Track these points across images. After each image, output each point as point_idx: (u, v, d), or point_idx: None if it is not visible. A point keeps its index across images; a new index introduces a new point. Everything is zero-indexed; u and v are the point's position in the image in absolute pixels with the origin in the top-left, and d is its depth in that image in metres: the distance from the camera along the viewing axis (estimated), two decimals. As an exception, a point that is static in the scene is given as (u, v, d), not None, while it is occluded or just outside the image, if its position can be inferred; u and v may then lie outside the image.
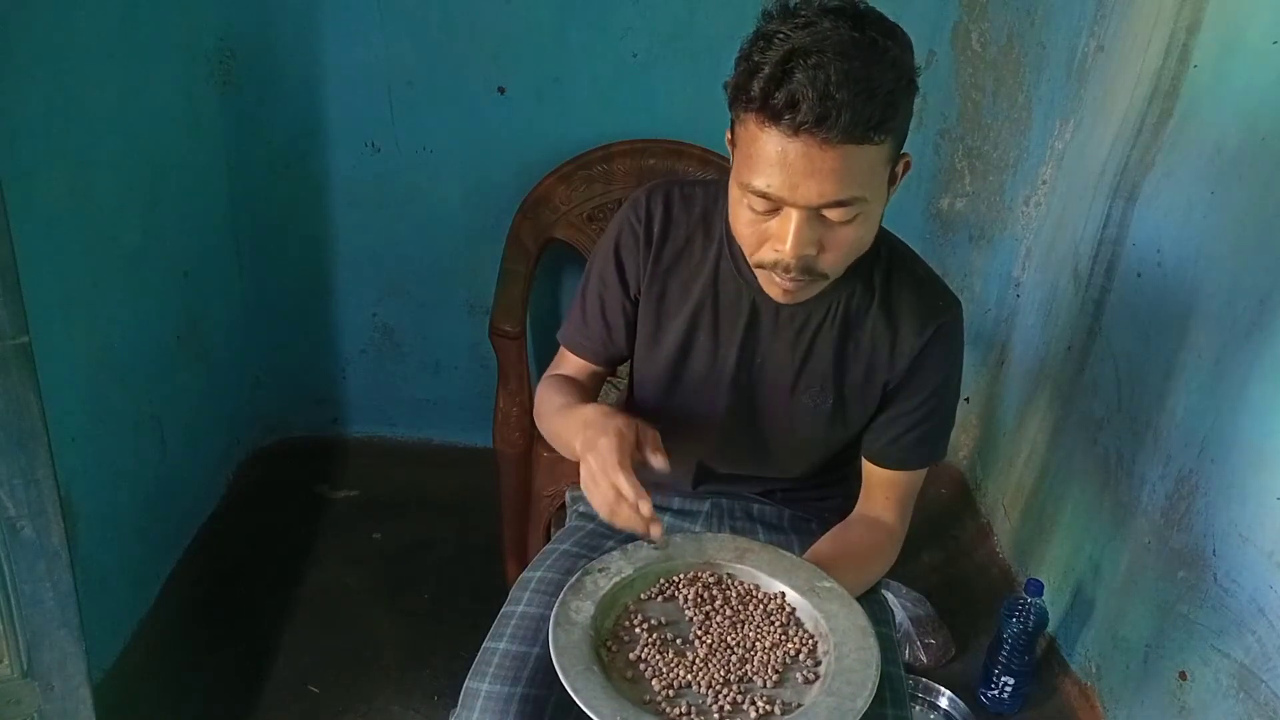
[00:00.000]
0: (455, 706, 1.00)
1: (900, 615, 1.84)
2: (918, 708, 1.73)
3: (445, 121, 2.01)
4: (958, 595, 2.00)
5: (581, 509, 1.30)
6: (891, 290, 1.07)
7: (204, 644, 1.74)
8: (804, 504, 1.26)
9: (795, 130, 0.84)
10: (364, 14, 1.90)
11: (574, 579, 0.98)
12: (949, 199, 2.16)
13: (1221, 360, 1.42)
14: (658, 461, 0.94)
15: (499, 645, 1.03)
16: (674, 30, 1.92)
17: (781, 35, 0.84)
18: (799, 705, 0.89)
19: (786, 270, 0.93)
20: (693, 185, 1.11)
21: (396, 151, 2.03)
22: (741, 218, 0.94)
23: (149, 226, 1.68)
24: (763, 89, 0.84)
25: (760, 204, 0.90)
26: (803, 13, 0.86)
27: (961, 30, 1.98)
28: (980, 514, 2.26)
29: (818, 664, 0.94)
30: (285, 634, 1.79)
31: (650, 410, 1.18)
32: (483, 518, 1.96)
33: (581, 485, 0.94)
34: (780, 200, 0.89)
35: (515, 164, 1.99)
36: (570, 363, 1.20)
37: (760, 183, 0.88)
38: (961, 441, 2.38)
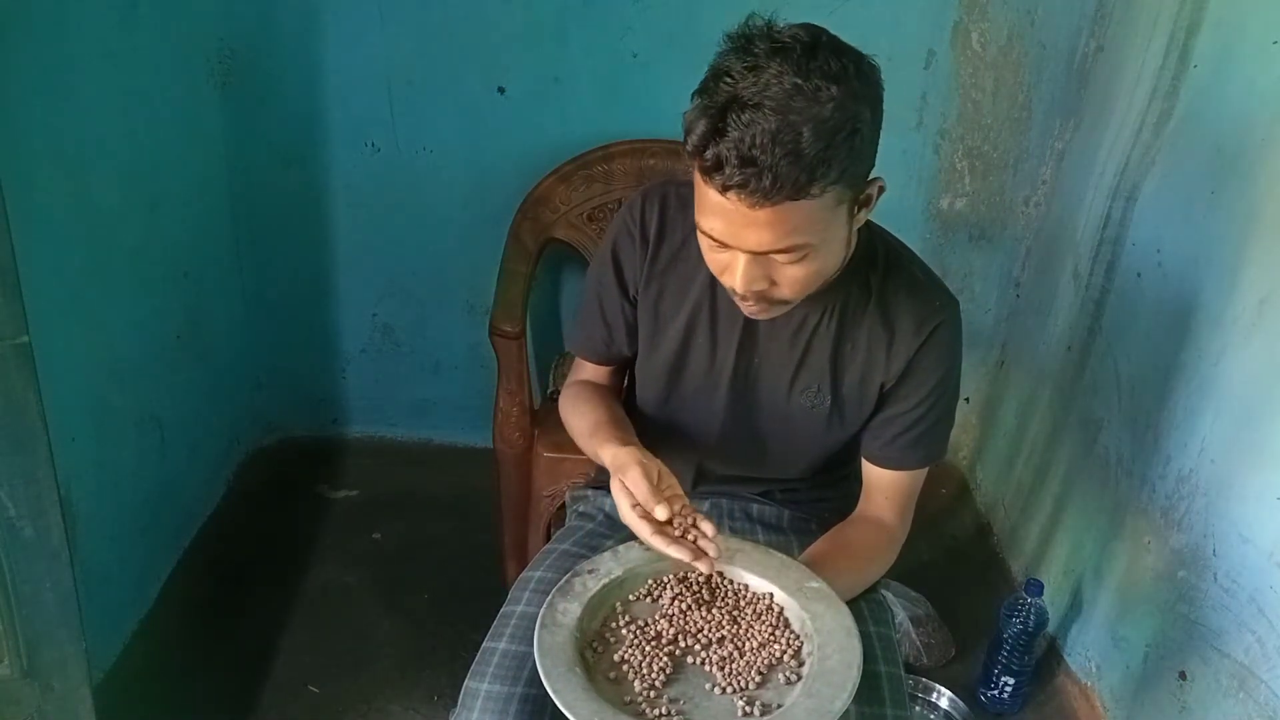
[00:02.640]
0: (455, 706, 1.00)
1: (900, 615, 1.83)
2: (918, 708, 1.73)
3: (445, 121, 2.01)
4: (958, 595, 2.00)
5: (581, 509, 1.30)
6: (888, 292, 1.07)
7: (204, 644, 1.74)
8: (803, 505, 1.26)
9: (723, 190, 0.85)
10: (364, 14, 1.90)
11: (563, 580, 0.98)
12: (949, 199, 2.16)
13: (1221, 360, 1.42)
14: (661, 513, 0.94)
15: (498, 645, 1.03)
16: (674, 30, 1.92)
17: (729, 80, 0.83)
18: (779, 706, 0.88)
19: (744, 299, 0.96)
20: (690, 186, 1.11)
21: (396, 151, 2.04)
22: (704, 244, 0.96)
23: (149, 226, 1.68)
24: (696, 145, 0.85)
25: (711, 240, 0.92)
26: (757, 48, 0.84)
27: (961, 30, 1.98)
28: (980, 514, 2.26)
29: (801, 665, 0.93)
30: (285, 634, 1.79)
31: (650, 412, 1.19)
32: (483, 518, 1.96)
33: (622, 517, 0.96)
34: (724, 244, 0.91)
35: (515, 164, 1.99)
36: (585, 368, 1.24)
37: (706, 225, 0.91)
38: (961, 441, 2.38)
